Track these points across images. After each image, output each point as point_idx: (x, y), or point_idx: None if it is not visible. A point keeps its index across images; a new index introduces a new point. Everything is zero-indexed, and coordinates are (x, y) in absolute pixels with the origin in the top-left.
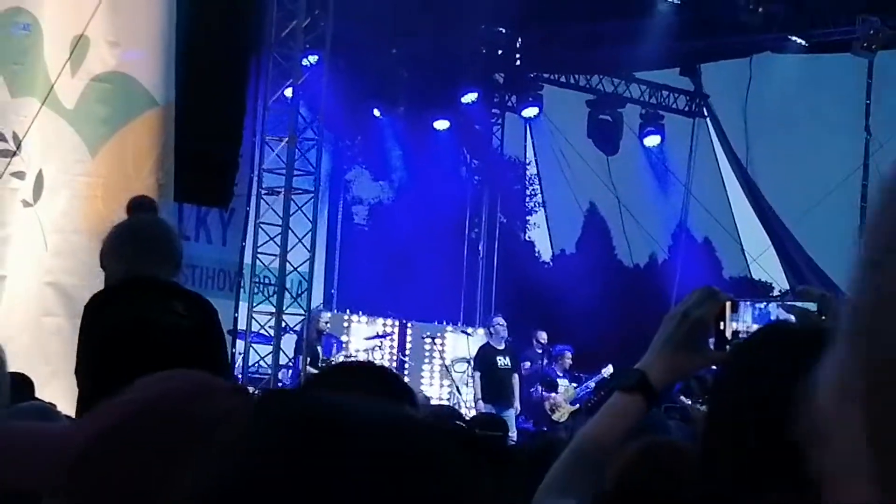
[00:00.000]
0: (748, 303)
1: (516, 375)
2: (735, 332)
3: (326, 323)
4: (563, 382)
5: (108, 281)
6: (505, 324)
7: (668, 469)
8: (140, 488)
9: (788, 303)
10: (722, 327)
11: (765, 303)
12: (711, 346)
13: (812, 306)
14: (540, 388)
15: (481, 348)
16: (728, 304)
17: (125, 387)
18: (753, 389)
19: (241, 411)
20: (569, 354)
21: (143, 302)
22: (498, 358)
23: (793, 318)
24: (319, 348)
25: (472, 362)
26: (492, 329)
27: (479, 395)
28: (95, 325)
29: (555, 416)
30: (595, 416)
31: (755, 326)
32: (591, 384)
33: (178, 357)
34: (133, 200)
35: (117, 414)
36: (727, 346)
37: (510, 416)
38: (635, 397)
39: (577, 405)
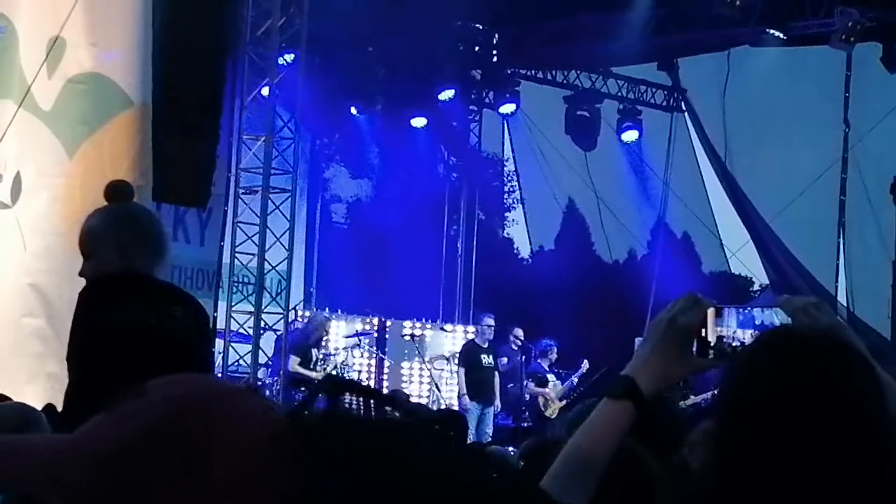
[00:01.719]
0: (732, 308)
1: (496, 374)
2: (720, 337)
3: (327, 332)
4: (550, 378)
5: (97, 267)
6: (493, 325)
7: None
8: (184, 485)
9: (768, 309)
10: (704, 334)
11: (748, 307)
12: (694, 352)
13: (780, 314)
14: (531, 384)
15: (466, 346)
16: (712, 310)
17: (121, 387)
18: (767, 395)
19: (263, 409)
20: (555, 349)
21: (146, 305)
22: (482, 356)
23: (788, 318)
24: (315, 350)
25: (451, 359)
26: (479, 328)
27: (464, 391)
28: (97, 323)
29: (548, 412)
30: (585, 424)
31: (741, 331)
32: (574, 379)
33: (175, 363)
34: (113, 185)
35: (153, 415)
36: (710, 352)
37: (490, 413)
38: (625, 404)
39: (565, 401)
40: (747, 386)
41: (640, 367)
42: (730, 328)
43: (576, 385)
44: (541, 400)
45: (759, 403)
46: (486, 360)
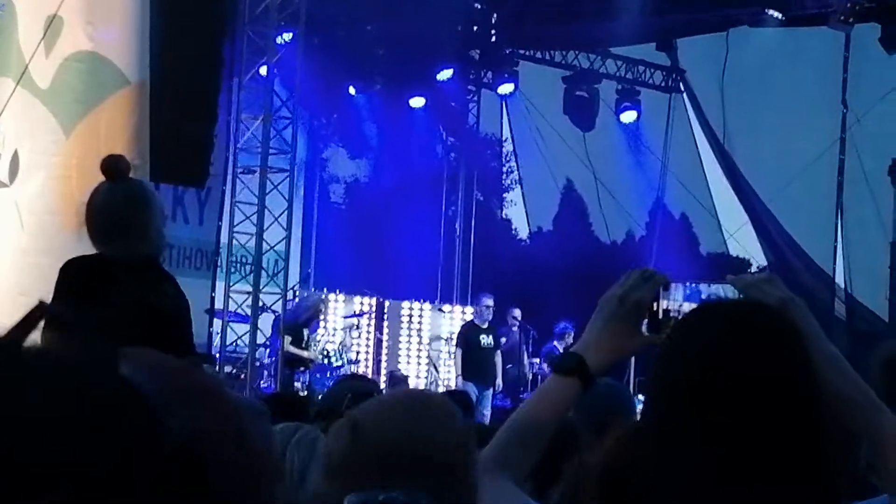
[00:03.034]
0: (679, 283)
1: (499, 354)
2: (666, 311)
3: (320, 313)
4: None
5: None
6: (492, 305)
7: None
8: None
9: (715, 284)
10: (655, 308)
11: (696, 283)
12: (644, 328)
13: (730, 289)
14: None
15: (464, 326)
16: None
17: None
18: (688, 367)
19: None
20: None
21: (143, 284)
22: (481, 337)
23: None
24: (305, 330)
25: (448, 339)
26: (478, 308)
27: (460, 372)
28: (96, 298)
29: None
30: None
31: (687, 304)
32: None
33: (171, 339)
34: (102, 163)
35: None
36: (660, 327)
37: (489, 394)
38: (572, 380)
39: None
40: (669, 357)
41: (590, 344)
42: (676, 301)
43: None
44: None
45: (677, 374)
46: (486, 340)
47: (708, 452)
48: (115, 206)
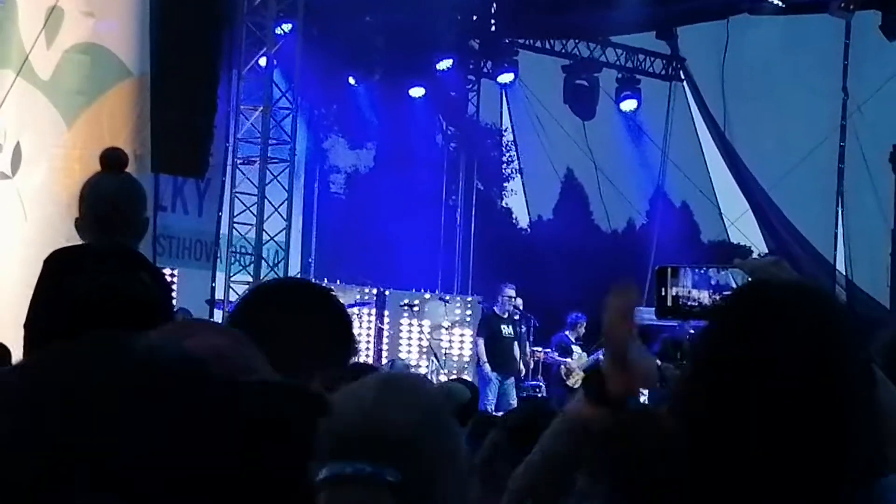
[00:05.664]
0: (687, 268)
1: (517, 343)
2: (675, 297)
3: None
4: (576, 349)
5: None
6: (514, 294)
7: (642, 439)
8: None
9: (723, 270)
10: (663, 293)
11: (704, 268)
12: (652, 314)
13: (738, 274)
14: (555, 353)
15: (485, 315)
16: (669, 269)
17: None
18: (740, 352)
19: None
20: (584, 323)
21: (112, 271)
22: (502, 326)
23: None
24: None
25: (449, 328)
26: (500, 297)
27: (484, 360)
28: (62, 287)
29: (570, 382)
30: (578, 395)
31: (696, 291)
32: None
33: (141, 323)
34: (101, 154)
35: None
36: (668, 312)
37: (512, 383)
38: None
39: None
40: (725, 343)
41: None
42: (685, 288)
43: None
44: (562, 369)
45: (734, 362)
46: (507, 330)
47: (743, 445)
48: (111, 198)
